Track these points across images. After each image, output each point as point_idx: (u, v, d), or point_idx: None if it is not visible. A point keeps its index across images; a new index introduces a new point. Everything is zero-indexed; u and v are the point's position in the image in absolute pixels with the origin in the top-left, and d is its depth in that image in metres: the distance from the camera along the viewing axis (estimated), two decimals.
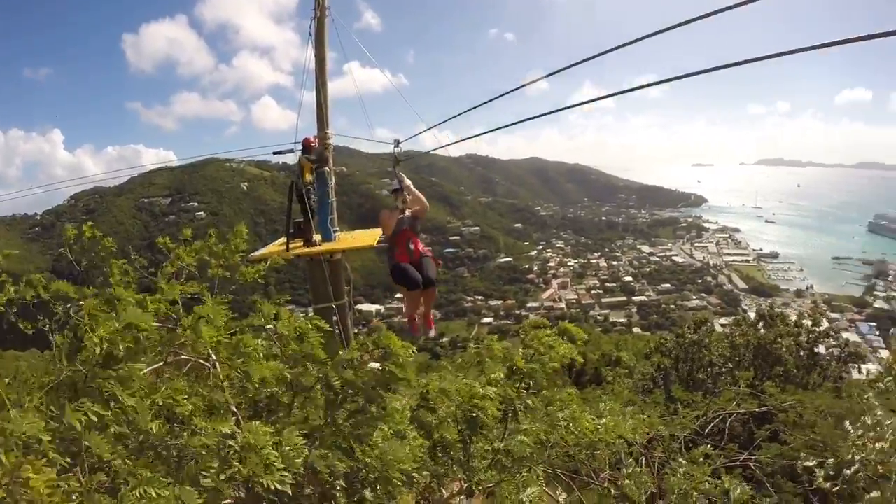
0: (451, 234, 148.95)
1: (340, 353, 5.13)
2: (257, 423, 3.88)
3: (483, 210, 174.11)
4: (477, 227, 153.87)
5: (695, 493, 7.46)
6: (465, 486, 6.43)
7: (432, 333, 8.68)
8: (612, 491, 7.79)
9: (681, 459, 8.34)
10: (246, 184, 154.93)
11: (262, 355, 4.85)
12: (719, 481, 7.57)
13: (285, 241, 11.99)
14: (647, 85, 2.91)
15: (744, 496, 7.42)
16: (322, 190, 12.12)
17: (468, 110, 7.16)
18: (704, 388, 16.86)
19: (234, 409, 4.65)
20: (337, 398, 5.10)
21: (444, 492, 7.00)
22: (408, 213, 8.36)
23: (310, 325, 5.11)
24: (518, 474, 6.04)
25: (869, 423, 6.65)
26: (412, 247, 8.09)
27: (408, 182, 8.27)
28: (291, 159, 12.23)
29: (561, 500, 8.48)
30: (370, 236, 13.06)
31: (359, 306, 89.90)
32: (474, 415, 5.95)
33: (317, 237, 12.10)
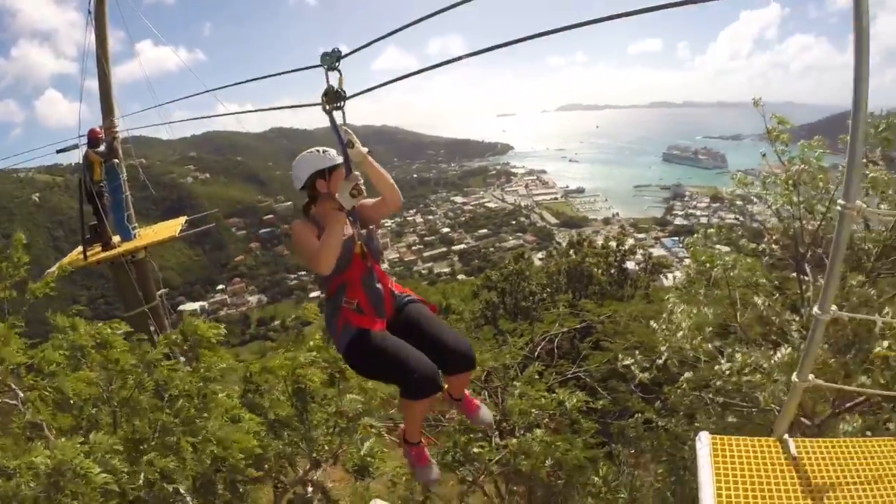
0: (264, 213, 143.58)
1: (148, 353, 4.93)
2: (63, 439, 3.55)
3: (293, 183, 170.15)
4: (290, 202, 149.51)
5: (533, 411, 8.10)
6: (313, 458, 6.50)
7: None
8: (457, 426, 8.19)
9: (516, 383, 8.90)
10: (38, 195, 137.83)
11: (66, 368, 4.59)
12: (554, 395, 8.17)
13: (82, 248, 11.15)
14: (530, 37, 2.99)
15: (578, 403, 8.06)
16: (114, 185, 11.26)
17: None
18: (530, 317, 18.00)
19: (48, 434, 4.40)
20: (160, 401, 4.94)
21: (299, 470, 7.04)
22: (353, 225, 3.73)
23: (109, 329, 4.77)
24: (355, 433, 6.12)
25: (667, 317, 7.61)
26: (379, 286, 3.71)
27: (363, 149, 3.44)
28: (80, 157, 11.24)
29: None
30: (171, 227, 12.35)
31: (181, 307, 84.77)
32: (302, 386, 6.00)
33: (116, 238, 11.35)
